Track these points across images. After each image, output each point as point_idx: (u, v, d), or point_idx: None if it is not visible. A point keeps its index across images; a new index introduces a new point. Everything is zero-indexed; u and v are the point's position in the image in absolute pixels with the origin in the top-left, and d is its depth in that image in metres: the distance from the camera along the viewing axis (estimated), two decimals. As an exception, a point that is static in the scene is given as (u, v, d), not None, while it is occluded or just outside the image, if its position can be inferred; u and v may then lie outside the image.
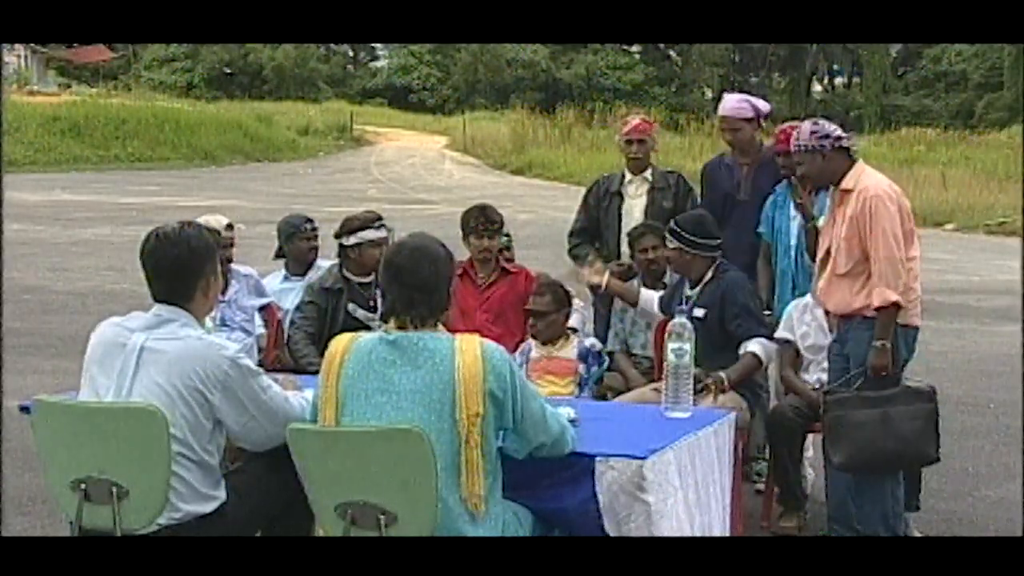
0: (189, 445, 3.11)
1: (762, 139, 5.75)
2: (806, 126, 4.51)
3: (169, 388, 3.09)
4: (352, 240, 5.14)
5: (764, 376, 5.02)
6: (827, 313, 4.69)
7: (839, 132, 4.46)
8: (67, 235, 16.09)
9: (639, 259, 5.38)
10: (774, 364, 5.19)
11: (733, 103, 5.65)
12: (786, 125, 5.42)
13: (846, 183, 4.40)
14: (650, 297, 5.27)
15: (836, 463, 4.40)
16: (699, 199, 5.76)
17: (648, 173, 5.78)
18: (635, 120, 5.91)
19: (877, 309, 4.28)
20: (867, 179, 4.38)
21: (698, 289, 4.88)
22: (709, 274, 4.88)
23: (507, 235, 5.82)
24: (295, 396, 3.37)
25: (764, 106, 5.66)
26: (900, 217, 4.33)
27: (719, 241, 4.93)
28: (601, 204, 5.84)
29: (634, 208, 5.75)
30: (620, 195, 5.80)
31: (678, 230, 4.91)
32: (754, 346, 4.75)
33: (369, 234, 5.15)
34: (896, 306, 4.27)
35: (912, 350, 4.52)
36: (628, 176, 5.81)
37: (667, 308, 4.99)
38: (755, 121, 5.61)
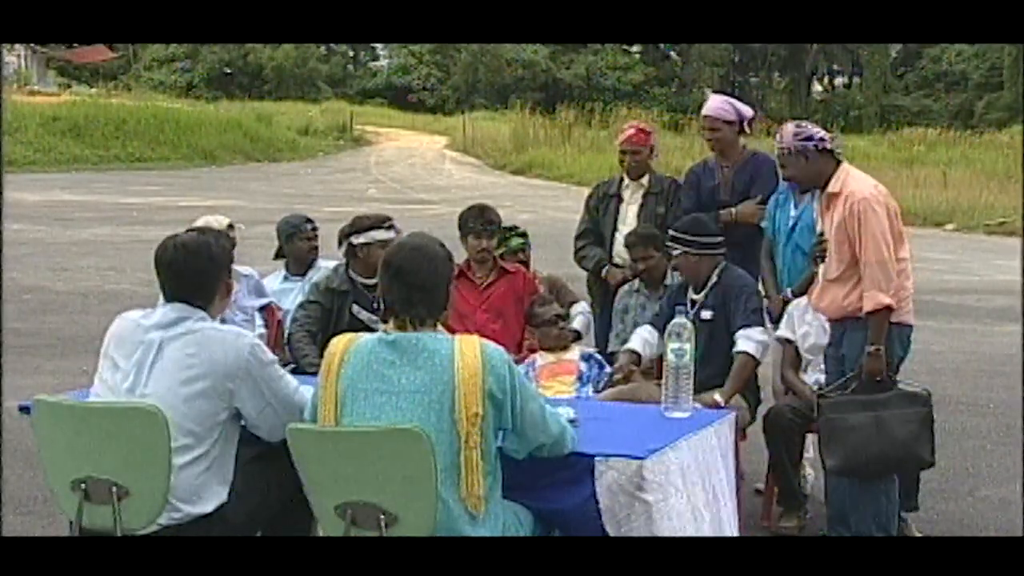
0: (201, 438, 3.13)
1: (745, 144, 5.76)
2: (789, 128, 4.54)
3: (189, 380, 3.12)
4: (361, 239, 5.13)
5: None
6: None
7: (822, 134, 4.47)
8: (67, 235, 16.08)
9: (633, 268, 5.44)
10: (773, 366, 5.19)
11: (716, 103, 5.67)
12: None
13: (832, 187, 4.42)
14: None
15: (830, 467, 4.40)
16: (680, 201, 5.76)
17: (645, 179, 5.79)
18: (630, 130, 5.88)
19: (869, 313, 4.29)
20: (853, 183, 4.39)
21: (703, 292, 4.88)
22: (714, 276, 4.89)
23: (523, 235, 5.83)
24: (304, 386, 3.38)
25: (747, 111, 5.67)
26: (888, 219, 4.34)
27: (721, 239, 4.95)
28: (600, 206, 5.88)
29: (629, 212, 5.78)
30: (619, 197, 5.83)
31: (678, 235, 4.93)
32: (748, 344, 4.72)
33: (379, 234, 5.14)
34: (888, 309, 4.28)
35: (907, 348, 4.53)
36: (626, 180, 5.83)
37: (668, 317, 4.97)
38: (736, 124, 5.61)
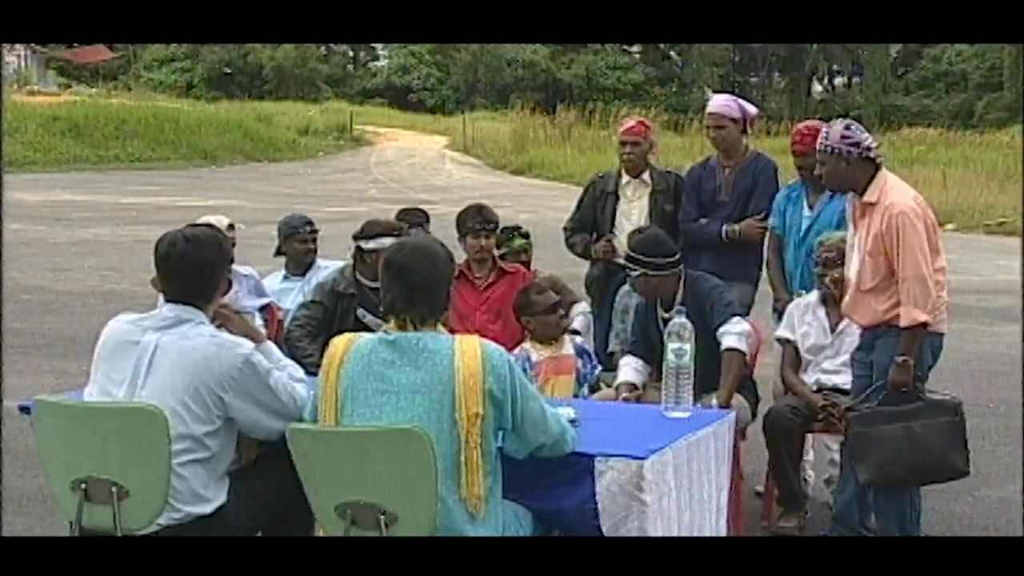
0: (201, 443, 3.13)
1: (748, 144, 5.74)
2: (838, 127, 4.31)
3: (183, 386, 3.11)
4: (371, 245, 5.11)
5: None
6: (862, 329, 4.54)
7: (870, 142, 4.29)
8: (67, 235, 16.08)
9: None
10: (774, 366, 5.19)
11: (721, 101, 5.65)
12: (803, 126, 5.39)
13: (869, 195, 4.26)
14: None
15: (863, 480, 4.33)
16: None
17: (647, 175, 5.73)
18: (630, 122, 5.88)
19: (904, 329, 4.20)
20: (892, 193, 4.24)
21: (674, 310, 4.74)
22: (680, 290, 4.76)
23: (526, 236, 5.82)
24: (301, 385, 3.38)
25: (752, 109, 5.64)
26: (927, 232, 4.24)
27: (679, 255, 4.82)
28: (597, 204, 5.81)
29: (632, 211, 5.71)
30: (616, 195, 5.76)
31: (636, 256, 4.77)
32: (731, 340, 4.62)
33: (388, 242, 5.12)
34: (924, 326, 4.21)
35: (938, 356, 4.49)
36: (625, 177, 5.78)
37: (643, 339, 4.89)
38: (741, 122, 5.58)
